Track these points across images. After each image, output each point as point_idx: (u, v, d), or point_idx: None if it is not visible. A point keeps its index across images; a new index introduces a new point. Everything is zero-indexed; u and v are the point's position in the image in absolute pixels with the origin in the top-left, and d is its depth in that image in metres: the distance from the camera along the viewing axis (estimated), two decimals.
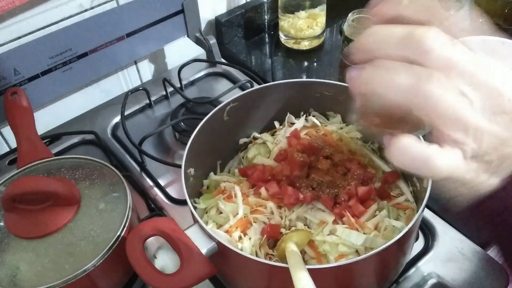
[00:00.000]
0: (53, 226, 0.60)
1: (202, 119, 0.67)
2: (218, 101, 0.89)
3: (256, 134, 0.76)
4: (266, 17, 1.14)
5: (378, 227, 0.61)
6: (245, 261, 0.54)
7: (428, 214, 0.74)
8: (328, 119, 0.76)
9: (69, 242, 0.60)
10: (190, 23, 0.98)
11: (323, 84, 0.72)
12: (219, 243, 0.54)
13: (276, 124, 0.77)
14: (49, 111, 0.93)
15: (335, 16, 1.15)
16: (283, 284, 0.53)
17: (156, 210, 0.79)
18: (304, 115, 0.76)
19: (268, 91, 0.72)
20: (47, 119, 0.93)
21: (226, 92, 0.92)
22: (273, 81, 0.89)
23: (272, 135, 0.76)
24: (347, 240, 0.58)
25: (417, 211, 0.58)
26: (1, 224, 0.62)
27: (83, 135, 0.92)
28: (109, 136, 0.92)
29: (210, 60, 1.05)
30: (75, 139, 0.91)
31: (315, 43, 1.09)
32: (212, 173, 0.73)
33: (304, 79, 0.92)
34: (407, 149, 0.35)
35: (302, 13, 1.05)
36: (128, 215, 0.62)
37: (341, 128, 0.74)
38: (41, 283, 0.56)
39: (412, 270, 0.69)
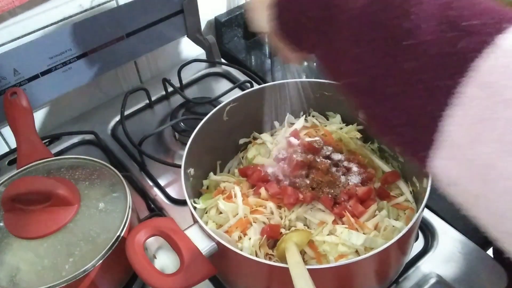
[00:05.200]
0: (53, 226, 0.60)
1: (202, 119, 0.67)
2: (218, 101, 0.89)
3: (256, 134, 0.76)
4: None
5: (378, 227, 0.61)
6: (245, 261, 0.54)
7: (428, 214, 0.74)
8: (327, 119, 0.76)
9: (69, 242, 0.59)
10: (190, 23, 0.98)
11: (323, 84, 0.72)
12: (219, 243, 0.54)
13: (276, 124, 0.77)
14: (49, 111, 0.93)
15: None
16: (283, 284, 0.53)
17: (156, 210, 0.79)
18: (304, 115, 0.76)
19: (268, 91, 0.72)
20: (47, 119, 0.93)
21: (226, 92, 0.92)
22: (273, 81, 0.89)
23: (272, 135, 0.76)
24: (347, 240, 0.59)
25: (417, 211, 0.58)
26: (1, 224, 0.62)
27: (83, 135, 0.92)
28: (109, 136, 0.92)
29: (210, 60, 1.05)
30: (75, 139, 0.91)
31: None
32: (212, 173, 0.73)
33: (304, 79, 0.92)
34: None
35: None
36: (128, 215, 0.62)
37: (341, 128, 0.74)
38: (41, 283, 0.56)
39: (412, 270, 0.69)
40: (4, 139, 0.91)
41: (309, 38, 0.43)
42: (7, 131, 0.89)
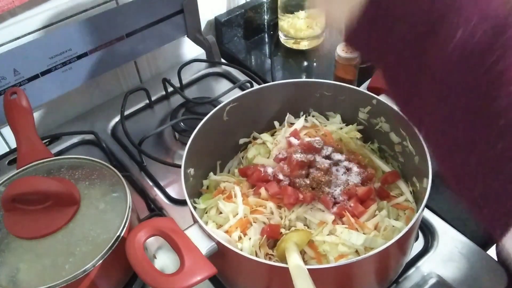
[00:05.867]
0: (53, 226, 0.60)
1: (202, 119, 0.67)
2: (218, 101, 0.88)
3: (256, 134, 0.76)
4: (265, 17, 1.14)
5: (378, 227, 0.61)
6: (245, 261, 0.54)
7: (428, 214, 0.74)
8: (327, 119, 0.76)
9: (69, 242, 0.60)
10: (190, 23, 0.98)
11: (323, 84, 0.72)
12: (219, 243, 0.54)
13: (276, 124, 0.77)
14: (49, 111, 0.93)
15: None
16: (283, 284, 0.53)
17: (156, 210, 0.79)
18: (304, 115, 0.76)
19: (268, 91, 0.72)
20: (47, 119, 0.93)
21: (226, 92, 0.92)
22: (272, 81, 0.89)
23: (272, 135, 0.76)
24: (347, 240, 0.59)
25: (417, 211, 0.58)
26: (1, 224, 0.62)
27: (83, 135, 0.92)
28: (109, 136, 0.92)
29: (210, 60, 1.05)
30: (75, 139, 0.91)
31: (315, 43, 1.09)
32: (212, 173, 0.73)
33: (304, 79, 0.92)
34: None
35: (301, 13, 1.05)
36: (128, 215, 0.62)
37: (341, 128, 0.74)
38: (41, 283, 0.56)
39: (412, 270, 0.69)
40: (4, 139, 0.91)
41: (388, 60, 0.35)
42: (7, 131, 0.89)
